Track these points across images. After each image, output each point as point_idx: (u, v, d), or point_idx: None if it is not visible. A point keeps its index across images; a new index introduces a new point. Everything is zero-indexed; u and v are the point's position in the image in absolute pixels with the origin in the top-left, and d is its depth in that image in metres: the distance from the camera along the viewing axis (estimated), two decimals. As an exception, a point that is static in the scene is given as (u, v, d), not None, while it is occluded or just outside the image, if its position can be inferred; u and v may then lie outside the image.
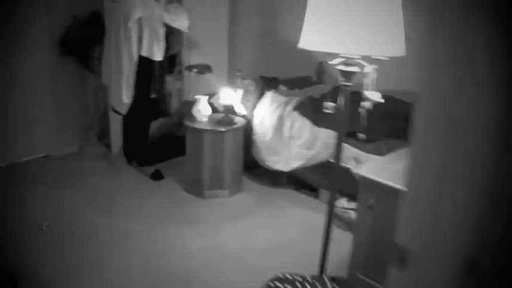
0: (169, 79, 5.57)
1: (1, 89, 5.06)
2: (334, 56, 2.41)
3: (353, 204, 4.08)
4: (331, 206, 2.73)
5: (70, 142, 5.65)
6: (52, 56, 5.27)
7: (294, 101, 4.78)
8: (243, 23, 6.21)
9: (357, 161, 4.08)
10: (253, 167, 4.93)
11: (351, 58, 2.39)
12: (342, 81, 2.48)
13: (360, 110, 2.83)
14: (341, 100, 2.53)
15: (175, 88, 5.76)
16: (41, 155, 5.51)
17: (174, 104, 5.81)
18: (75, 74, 5.49)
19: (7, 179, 4.83)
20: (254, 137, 4.77)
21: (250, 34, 6.19)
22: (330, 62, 2.48)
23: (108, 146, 5.63)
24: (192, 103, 4.84)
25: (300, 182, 4.75)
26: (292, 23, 5.31)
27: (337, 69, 2.46)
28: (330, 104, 2.81)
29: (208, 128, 4.51)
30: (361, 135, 3.82)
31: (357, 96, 2.71)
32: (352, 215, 4.00)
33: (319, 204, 4.42)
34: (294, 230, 4.11)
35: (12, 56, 5.07)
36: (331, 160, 4.23)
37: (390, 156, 3.22)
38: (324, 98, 4.61)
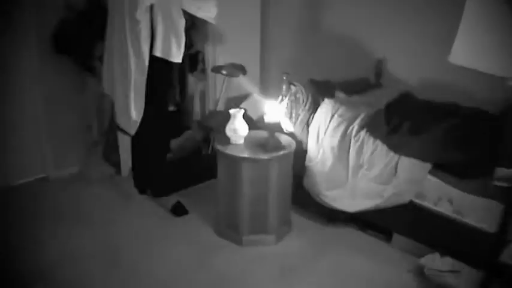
0: (190, 79, 4.45)
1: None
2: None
3: (449, 263, 2.99)
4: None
5: (71, 161, 4.64)
6: (43, 55, 4.19)
7: (362, 115, 3.58)
8: (278, 12, 5.06)
9: (452, 203, 3.03)
10: (302, 198, 3.77)
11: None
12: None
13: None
14: None
15: (197, 90, 4.69)
16: (40, 175, 4.54)
17: (196, 110, 4.76)
18: (73, 78, 4.39)
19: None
20: (308, 164, 3.61)
21: (288, 26, 5.02)
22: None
23: (116, 166, 4.57)
24: (220, 114, 3.75)
25: (364, 219, 3.61)
26: (341, 11, 4.29)
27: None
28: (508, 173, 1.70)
29: (247, 155, 3.33)
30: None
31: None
32: (450, 279, 2.91)
33: (391, 253, 3.41)
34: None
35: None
36: (418, 201, 3.17)
37: None
38: (393, 108, 3.51)
